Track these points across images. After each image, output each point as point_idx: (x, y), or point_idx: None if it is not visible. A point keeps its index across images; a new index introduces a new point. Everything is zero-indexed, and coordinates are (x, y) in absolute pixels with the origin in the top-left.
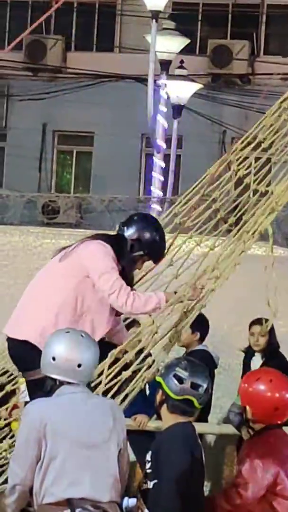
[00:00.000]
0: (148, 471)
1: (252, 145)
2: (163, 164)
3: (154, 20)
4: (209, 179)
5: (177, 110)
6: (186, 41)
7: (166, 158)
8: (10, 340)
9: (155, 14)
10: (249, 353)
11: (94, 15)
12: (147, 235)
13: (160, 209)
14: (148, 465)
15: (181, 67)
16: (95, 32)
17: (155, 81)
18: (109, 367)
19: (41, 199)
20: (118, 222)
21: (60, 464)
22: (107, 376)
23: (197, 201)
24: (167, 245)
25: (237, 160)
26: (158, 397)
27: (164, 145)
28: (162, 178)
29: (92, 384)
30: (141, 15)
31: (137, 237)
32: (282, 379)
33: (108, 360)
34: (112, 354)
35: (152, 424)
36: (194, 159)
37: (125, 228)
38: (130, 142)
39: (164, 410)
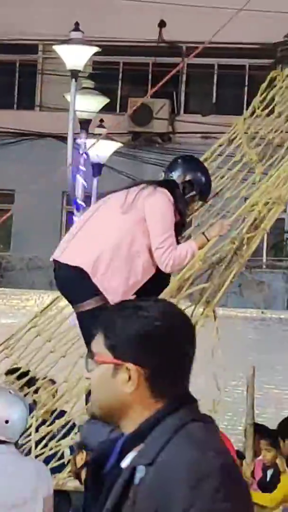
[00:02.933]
0: None
1: None
2: None
3: (73, 79)
4: None
5: (97, 168)
6: (106, 100)
7: None
8: (61, 266)
9: (75, 74)
10: None
11: (14, 73)
12: (196, 175)
13: None
14: None
15: (100, 126)
16: (16, 90)
17: (74, 139)
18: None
19: None
20: (38, 281)
21: None
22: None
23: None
24: None
25: None
26: (80, 459)
27: (83, 204)
28: None
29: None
30: (62, 74)
31: (188, 179)
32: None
33: (34, 424)
34: (37, 416)
35: (71, 484)
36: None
37: (172, 172)
38: (50, 200)
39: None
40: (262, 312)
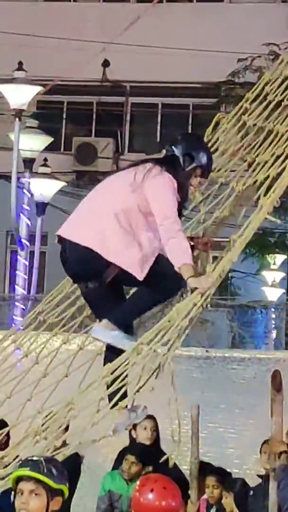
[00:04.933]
0: None
1: None
2: (27, 262)
3: (17, 119)
4: None
5: (41, 207)
6: (50, 139)
7: (32, 255)
8: (69, 246)
9: (19, 113)
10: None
11: None
12: (195, 148)
13: (23, 307)
14: None
15: (44, 165)
16: None
17: (18, 178)
18: None
19: None
20: None
21: None
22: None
23: None
24: None
25: None
26: None
27: (28, 243)
28: (26, 276)
29: None
30: (5, 113)
31: (187, 152)
32: (166, 489)
33: None
34: None
35: None
36: (59, 256)
37: (174, 147)
38: None
39: None
40: (207, 351)
